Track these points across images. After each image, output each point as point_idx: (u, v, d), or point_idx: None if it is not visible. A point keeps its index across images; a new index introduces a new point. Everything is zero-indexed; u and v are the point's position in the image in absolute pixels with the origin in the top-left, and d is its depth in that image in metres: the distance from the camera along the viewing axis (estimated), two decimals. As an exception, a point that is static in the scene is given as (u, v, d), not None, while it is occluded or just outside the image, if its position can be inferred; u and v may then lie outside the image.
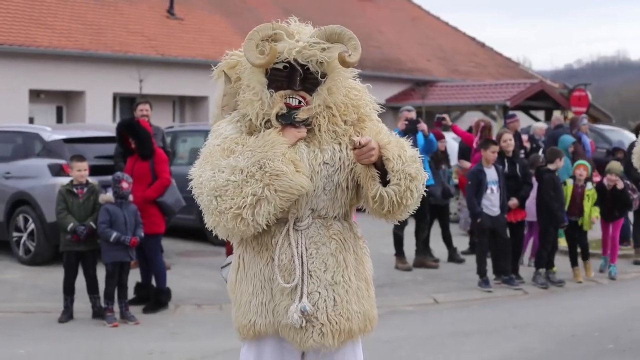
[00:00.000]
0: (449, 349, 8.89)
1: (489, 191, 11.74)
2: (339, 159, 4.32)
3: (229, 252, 13.76)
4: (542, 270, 12.30)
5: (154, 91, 23.75)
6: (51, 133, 13.81)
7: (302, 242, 4.34)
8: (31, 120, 22.60)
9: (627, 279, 13.04)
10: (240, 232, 4.22)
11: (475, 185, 11.74)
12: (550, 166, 12.28)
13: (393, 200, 4.20)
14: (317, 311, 4.30)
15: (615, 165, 13.17)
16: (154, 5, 27.93)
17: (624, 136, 23.40)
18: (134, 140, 10.51)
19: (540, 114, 32.75)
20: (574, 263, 12.57)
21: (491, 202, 11.73)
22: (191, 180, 4.32)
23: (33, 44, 22.83)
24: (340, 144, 4.36)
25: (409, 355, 8.63)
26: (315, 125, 4.37)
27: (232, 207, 4.13)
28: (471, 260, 13.75)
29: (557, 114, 24.37)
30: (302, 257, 4.32)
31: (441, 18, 40.82)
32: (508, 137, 12.35)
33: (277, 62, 4.30)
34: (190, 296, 11.14)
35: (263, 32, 4.32)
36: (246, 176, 4.14)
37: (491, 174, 11.78)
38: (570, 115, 28.47)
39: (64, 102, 24.72)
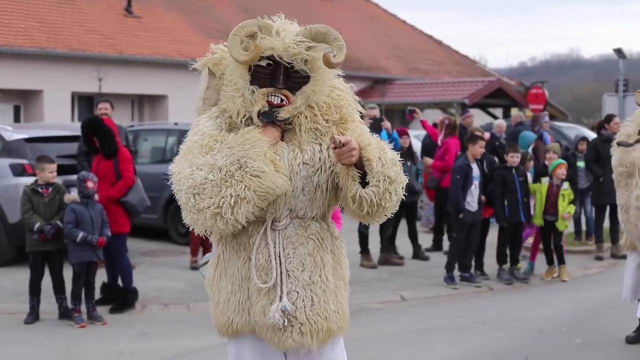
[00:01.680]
0: (418, 346, 8.91)
1: (472, 186, 11.74)
2: (319, 159, 4.31)
3: (207, 249, 13.73)
4: (506, 267, 12.38)
5: (113, 90, 23.58)
6: (12, 132, 13.63)
7: (280, 242, 4.33)
8: (-12, 120, 22.33)
9: (591, 274, 13.16)
10: (219, 230, 4.21)
11: (462, 179, 11.69)
12: (507, 163, 12.34)
13: (372, 202, 4.22)
14: (296, 311, 4.31)
15: (554, 145, 13.46)
16: (112, 4, 27.74)
17: (581, 133, 23.62)
18: (97, 138, 10.40)
19: (498, 112, 32.99)
20: (549, 262, 12.62)
21: (472, 198, 11.74)
22: (171, 176, 4.31)
23: (-10, 42, 22.57)
24: (320, 144, 4.35)
25: (380, 352, 8.64)
26: (296, 125, 4.34)
27: (210, 206, 4.11)
28: (435, 257, 13.84)
29: (516, 111, 24.57)
30: (279, 256, 4.32)
31: (398, 16, 40.98)
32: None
33: (260, 59, 4.26)
34: (156, 296, 11.06)
35: (248, 29, 4.27)
36: (225, 175, 4.11)
37: (475, 169, 11.79)
38: (528, 112, 28.71)
39: (22, 101, 24.46)
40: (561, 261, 12.56)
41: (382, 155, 4.21)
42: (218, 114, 4.42)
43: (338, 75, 4.51)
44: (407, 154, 13.45)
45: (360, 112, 4.55)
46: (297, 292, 4.32)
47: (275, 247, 4.31)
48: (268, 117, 4.27)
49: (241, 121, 4.32)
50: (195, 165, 4.18)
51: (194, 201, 4.14)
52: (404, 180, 4.31)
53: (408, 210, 13.54)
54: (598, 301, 11.08)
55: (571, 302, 11.07)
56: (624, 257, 13.03)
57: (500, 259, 12.41)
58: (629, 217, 8.10)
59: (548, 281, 12.47)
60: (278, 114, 4.27)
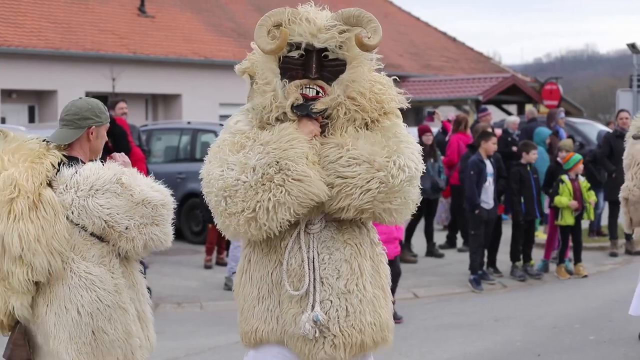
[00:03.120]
0: (432, 343, 8.90)
1: (486, 183, 11.66)
2: None
3: (222, 249, 13.63)
4: (519, 264, 12.35)
5: (127, 89, 23.61)
6: (26, 133, 13.64)
7: (314, 246, 4.05)
8: (3, 121, 22.40)
9: (605, 271, 13.11)
10: (251, 236, 3.98)
11: (476, 175, 11.62)
12: (522, 160, 12.30)
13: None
14: (329, 321, 4.03)
15: (567, 142, 13.44)
16: (125, 3, 27.76)
17: (596, 129, 23.53)
18: (110, 138, 10.41)
19: (513, 108, 32.87)
20: (562, 260, 12.52)
21: (487, 195, 11.65)
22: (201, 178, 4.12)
23: (4, 43, 22.61)
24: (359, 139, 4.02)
25: (394, 349, 8.60)
26: (335, 118, 4.05)
27: (244, 210, 3.88)
28: (449, 254, 13.82)
29: (530, 107, 24.47)
30: (313, 262, 4.04)
31: (412, 13, 40.90)
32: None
33: (291, 50, 4.00)
34: (170, 294, 11.09)
35: (275, 18, 4.00)
36: (262, 177, 3.85)
37: (489, 166, 11.72)
38: (542, 108, 28.62)
39: (36, 102, 24.53)
40: (577, 259, 12.50)
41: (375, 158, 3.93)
42: (248, 109, 4.17)
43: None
44: (429, 151, 13.33)
45: (402, 106, 4.28)
46: (331, 301, 4.04)
47: (309, 251, 4.04)
48: (302, 110, 3.99)
49: (273, 117, 4.04)
50: (226, 164, 3.95)
51: (224, 204, 3.93)
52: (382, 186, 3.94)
53: (428, 207, 13.44)
54: (612, 298, 11.03)
55: (585, 299, 11.04)
56: (639, 253, 13.05)
57: (514, 256, 12.37)
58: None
59: (562, 278, 12.41)
60: (314, 106, 3.99)
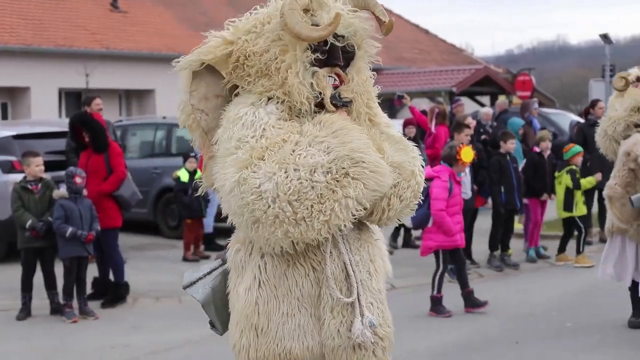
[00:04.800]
0: (409, 333, 8.92)
1: (462, 174, 11.71)
2: None
3: (198, 245, 13.59)
4: (497, 253, 12.44)
5: (100, 85, 23.55)
6: (0, 130, 13.62)
7: (348, 248, 3.87)
8: (-25, 118, 22.30)
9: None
10: (310, 241, 3.67)
11: None
12: (501, 149, 12.39)
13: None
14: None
15: (545, 133, 13.65)
16: (97, -1, 27.69)
17: (569, 119, 23.70)
18: (88, 133, 10.41)
19: (486, 99, 33.04)
20: (562, 249, 12.80)
21: (464, 186, 11.72)
22: (219, 185, 3.79)
23: (-25, 40, 22.53)
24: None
25: (372, 340, 8.66)
26: (355, 108, 3.91)
27: (320, 212, 3.59)
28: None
29: (502, 98, 24.62)
30: (351, 264, 3.85)
31: (384, 6, 40.94)
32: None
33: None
34: (148, 289, 11.09)
35: (303, 1, 3.78)
36: (337, 173, 3.59)
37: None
38: (515, 100, 28.79)
39: (9, 99, 24.42)
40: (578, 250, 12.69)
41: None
42: (255, 103, 3.83)
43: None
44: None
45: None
46: (372, 303, 3.91)
47: (348, 254, 3.85)
48: (338, 101, 3.83)
49: (308, 109, 3.82)
50: (286, 165, 3.60)
51: (291, 209, 3.57)
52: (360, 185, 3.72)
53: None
54: (587, 285, 11.14)
55: (561, 287, 11.14)
56: (545, 248, 13.26)
57: (492, 245, 12.46)
58: None
59: (537, 267, 12.56)
60: (341, 95, 3.84)
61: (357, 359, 3.87)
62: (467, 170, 11.75)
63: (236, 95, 3.97)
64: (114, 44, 25.67)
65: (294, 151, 3.63)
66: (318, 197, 3.57)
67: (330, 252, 3.80)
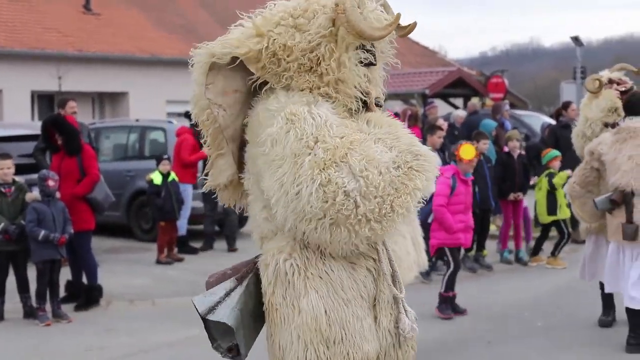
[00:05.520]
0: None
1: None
2: None
3: (172, 247, 13.51)
4: (471, 254, 12.51)
5: (73, 88, 23.46)
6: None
7: (387, 243, 3.90)
8: (-53, 121, 22.14)
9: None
10: (385, 235, 3.69)
11: None
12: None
13: None
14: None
15: (514, 132, 13.84)
16: (70, 1, 27.57)
17: (541, 121, 23.85)
18: (61, 136, 10.39)
19: (459, 102, 33.17)
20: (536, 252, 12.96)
21: None
22: (274, 188, 3.64)
23: (-53, 42, 22.39)
24: None
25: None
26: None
27: (399, 207, 3.61)
28: (399, 246, 13.91)
29: (474, 100, 24.77)
30: (393, 260, 3.89)
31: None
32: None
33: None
34: (121, 292, 11.06)
35: (359, 1, 3.80)
36: (405, 167, 3.66)
37: (437, 159, 11.78)
38: (488, 102, 28.92)
39: (-19, 102, 24.28)
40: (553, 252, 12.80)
41: None
42: (311, 101, 3.78)
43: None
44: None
45: None
46: (404, 297, 3.94)
47: (387, 249, 3.88)
48: (378, 101, 3.95)
49: (355, 109, 3.85)
50: (374, 162, 3.63)
51: (377, 206, 3.58)
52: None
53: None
54: (559, 286, 11.26)
55: (533, 288, 11.24)
56: (584, 242, 13.30)
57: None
58: None
59: (511, 268, 12.65)
60: (378, 96, 3.96)
61: (402, 354, 3.89)
62: (438, 172, 11.80)
63: (267, 91, 3.87)
64: (87, 46, 25.58)
65: (370, 147, 3.64)
66: (396, 192, 3.59)
67: (383, 248, 3.82)
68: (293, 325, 3.72)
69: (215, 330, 3.95)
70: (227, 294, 3.89)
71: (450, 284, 9.74)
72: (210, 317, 3.84)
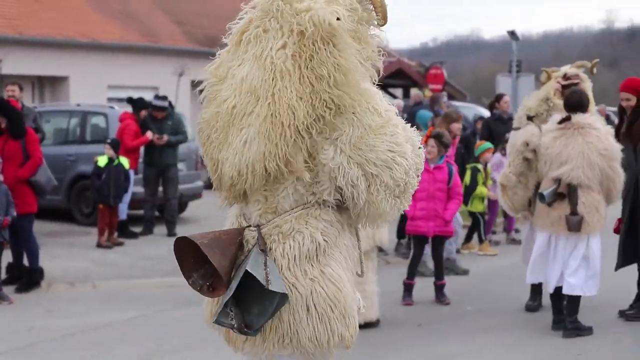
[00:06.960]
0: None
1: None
2: None
3: (112, 230, 13.53)
4: (404, 241, 12.83)
5: (14, 71, 23.31)
6: None
7: None
8: None
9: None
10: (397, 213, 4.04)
11: None
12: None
13: None
14: None
15: (453, 110, 14.14)
16: (11, -16, 27.32)
17: (478, 113, 24.29)
18: (5, 119, 10.47)
19: (398, 92, 33.54)
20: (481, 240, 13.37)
21: None
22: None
23: None
24: None
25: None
26: None
27: (412, 187, 3.94)
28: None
29: (415, 91, 25.07)
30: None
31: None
32: None
33: None
34: (62, 275, 11.19)
35: None
36: (417, 150, 4.03)
37: None
38: (427, 92, 29.31)
39: None
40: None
41: None
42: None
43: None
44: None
45: None
46: None
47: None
48: None
49: None
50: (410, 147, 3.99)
51: (412, 182, 3.96)
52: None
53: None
54: (489, 272, 11.65)
55: (465, 275, 11.58)
56: (517, 230, 13.75)
57: (400, 234, 12.83)
58: None
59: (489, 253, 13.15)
60: None
61: None
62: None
63: None
64: (28, 29, 25.38)
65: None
66: (417, 170, 3.96)
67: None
68: (322, 298, 3.83)
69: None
70: (266, 265, 3.81)
71: (409, 272, 10.02)
72: (273, 288, 3.72)
